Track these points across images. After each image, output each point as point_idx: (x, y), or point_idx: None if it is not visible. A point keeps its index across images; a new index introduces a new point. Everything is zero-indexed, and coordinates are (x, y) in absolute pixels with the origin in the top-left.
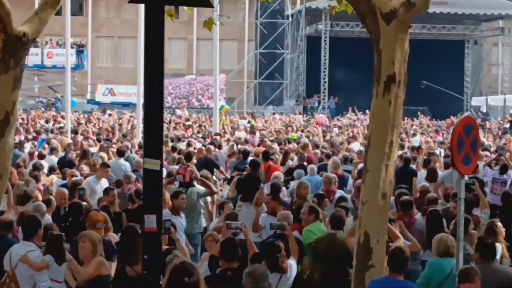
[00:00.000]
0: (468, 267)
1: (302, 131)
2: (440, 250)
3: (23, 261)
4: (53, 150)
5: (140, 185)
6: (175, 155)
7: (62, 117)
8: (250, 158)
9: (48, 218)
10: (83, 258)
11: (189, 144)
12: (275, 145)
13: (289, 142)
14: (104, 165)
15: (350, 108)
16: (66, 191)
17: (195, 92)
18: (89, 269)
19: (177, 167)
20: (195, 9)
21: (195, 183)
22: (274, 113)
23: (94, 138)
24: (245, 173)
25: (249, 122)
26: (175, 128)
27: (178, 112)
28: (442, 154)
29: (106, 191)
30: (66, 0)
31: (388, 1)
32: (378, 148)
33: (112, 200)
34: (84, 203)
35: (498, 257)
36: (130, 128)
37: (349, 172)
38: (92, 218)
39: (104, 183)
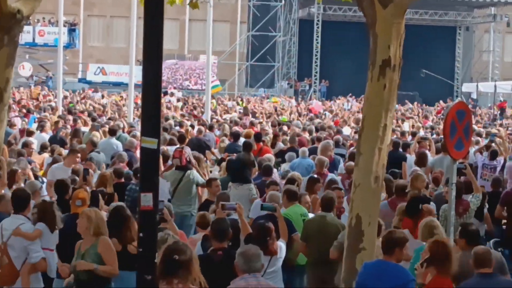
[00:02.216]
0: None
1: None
2: (427, 235)
3: (16, 234)
4: (43, 128)
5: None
6: (166, 135)
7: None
8: (241, 139)
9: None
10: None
11: (181, 125)
12: (267, 127)
13: (279, 125)
14: (74, 151)
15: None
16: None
17: (179, 77)
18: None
19: (168, 147)
20: None
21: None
22: (266, 97)
23: (85, 117)
24: (235, 154)
25: (238, 104)
26: (168, 109)
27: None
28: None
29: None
30: None
31: None
32: (371, 132)
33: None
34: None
35: None
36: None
37: (341, 155)
38: (73, 196)
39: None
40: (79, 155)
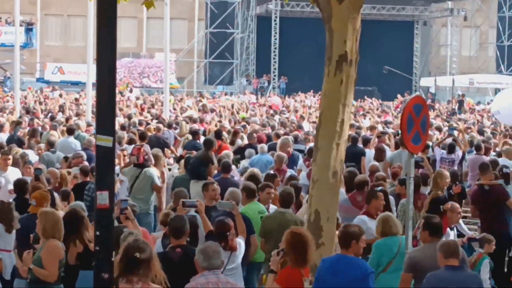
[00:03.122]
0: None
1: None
2: (384, 230)
3: None
4: (1, 128)
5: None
6: (124, 133)
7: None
8: (202, 137)
9: None
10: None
11: (140, 123)
12: (227, 124)
13: (239, 122)
14: (3, 153)
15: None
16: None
17: (136, 75)
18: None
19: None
20: None
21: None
22: (221, 94)
23: (42, 116)
24: (194, 152)
25: (200, 101)
26: (128, 107)
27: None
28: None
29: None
30: None
31: None
32: (329, 127)
33: (55, 180)
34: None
35: None
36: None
37: (300, 151)
38: (33, 196)
39: (12, 173)
40: (9, 157)
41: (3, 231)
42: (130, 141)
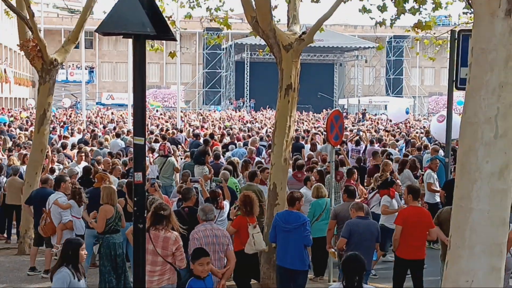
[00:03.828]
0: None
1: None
2: (316, 194)
3: (55, 204)
4: (72, 133)
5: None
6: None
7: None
8: (201, 138)
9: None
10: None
11: (161, 129)
12: (216, 129)
13: (225, 128)
14: (80, 151)
15: (262, 107)
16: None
17: (160, 99)
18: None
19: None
20: (164, 43)
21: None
22: (214, 111)
23: (101, 126)
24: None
25: (200, 114)
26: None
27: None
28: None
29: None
30: (82, 38)
31: (287, 38)
32: (281, 130)
33: (108, 167)
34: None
35: None
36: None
37: (263, 146)
38: (96, 176)
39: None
40: (83, 155)
41: (75, 205)
42: (156, 141)
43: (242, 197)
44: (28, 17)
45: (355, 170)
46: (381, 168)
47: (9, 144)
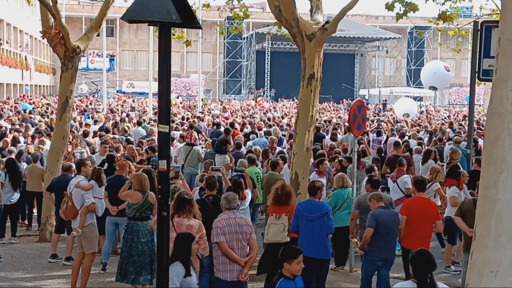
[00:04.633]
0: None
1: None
2: (338, 184)
3: (77, 186)
4: (96, 122)
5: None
6: (174, 124)
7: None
8: (222, 127)
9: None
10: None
11: (183, 118)
12: (237, 119)
13: (244, 117)
14: (105, 142)
15: (279, 98)
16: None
17: (181, 88)
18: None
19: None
20: (185, 31)
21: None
22: (234, 99)
23: (121, 115)
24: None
25: (220, 104)
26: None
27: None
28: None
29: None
30: (103, 26)
31: (310, 27)
32: (304, 119)
33: (132, 153)
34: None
35: None
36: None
37: (284, 136)
38: (117, 164)
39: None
40: (107, 146)
41: (96, 185)
42: (176, 129)
43: (276, 187)
44: (51, 4)
45: (405, 160)
46: (450, 156)
47: (31, 131)
